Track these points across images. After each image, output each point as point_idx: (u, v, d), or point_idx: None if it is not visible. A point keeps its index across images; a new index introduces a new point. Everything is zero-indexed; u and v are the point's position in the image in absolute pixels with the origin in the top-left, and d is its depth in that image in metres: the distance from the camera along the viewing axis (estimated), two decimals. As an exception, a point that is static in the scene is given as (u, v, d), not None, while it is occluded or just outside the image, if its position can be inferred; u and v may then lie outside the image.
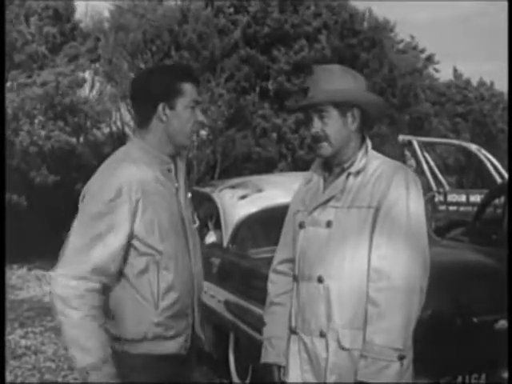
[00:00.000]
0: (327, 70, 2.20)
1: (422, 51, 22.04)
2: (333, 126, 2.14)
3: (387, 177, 2.11)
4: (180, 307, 2.18)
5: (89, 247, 2.06)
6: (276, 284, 2.32)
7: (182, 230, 2.22)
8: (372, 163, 2.16)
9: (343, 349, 2.07)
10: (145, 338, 2.13)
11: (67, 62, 12.01)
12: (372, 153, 2.20)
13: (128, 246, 2.11)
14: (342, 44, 15.76)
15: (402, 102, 17.01)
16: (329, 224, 2.13)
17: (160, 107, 2.17)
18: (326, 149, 2.16)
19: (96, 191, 2.12)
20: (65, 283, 2.05)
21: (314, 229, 2.17)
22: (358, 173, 2.15)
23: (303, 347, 2.16)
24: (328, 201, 2.16)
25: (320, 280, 2.10)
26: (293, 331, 2.21)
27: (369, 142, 2.22)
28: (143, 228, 2.10)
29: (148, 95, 2.19)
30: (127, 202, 2.08)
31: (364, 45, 16.24)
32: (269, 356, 2.27)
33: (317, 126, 2.15)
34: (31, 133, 10.64)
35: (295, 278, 2.21)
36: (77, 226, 2.12)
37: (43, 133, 10.75)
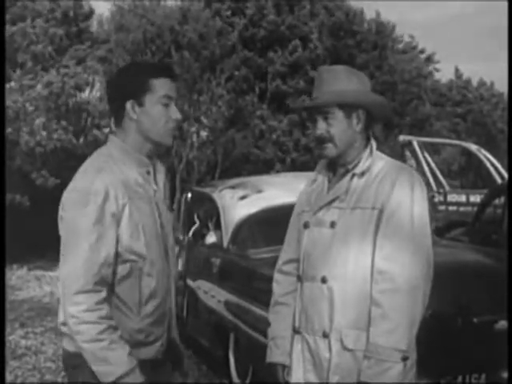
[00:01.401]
0: (332, 71, 2.19)
1: (422, 51, 22.04)
2: (338, 127, 2.14)
3: (391, 178, 2.10)
4: (160, 313, 2.14)
5: (88, 258, 1.97)
6: (281, 284, 2.32)
7: (162, 235, 2.15)
8: (376, 164, 2.16)
9: (346, 349, 2.07)
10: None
11: (74, 65, 12.00)
12: (377, 153, 2.20)
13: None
14: (339, 44, 15.78)
15: (403, 108, 17.02)
16: (333, 224, 2.13)
17: (128, 105, 2.09)
18: (330, 150, 2.16)
19: (82, 196, 2.01)
20: (75, 300, 1.96)
21: (318, 229, 2.17)
22: (362, 174, 2.15)
23: (306, 347, 2.17)
24: (332, 201, 2.16)
25: (323, 280, 2.11)
26: (296, 331, 2.21)
27: (374, 143, 2.22)
28: (128, 234, 2.03)
29: (117, 93, 2.13)
30: (114, 206, 2.00)
31: (362, 46, 16.25)
32: (273, 356, 2.28)
33: (321, 127, 2.15)
34: (34, 133, 10.63)
35: (299, 278, 2.22)
36: (70, 236, 2.02)
37: (45, 133, 10.75)
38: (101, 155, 2.14)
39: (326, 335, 2.10)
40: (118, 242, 2.01)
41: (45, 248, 12.26)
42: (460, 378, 3.28)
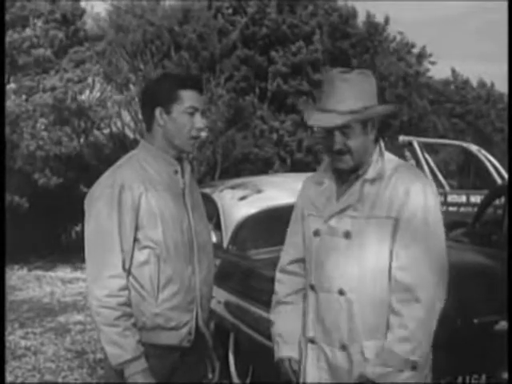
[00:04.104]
0: (346, 81, 2.10)
1: (413, 46, 21.86)
2: (356, 140, 2.10)
3: (404, 186, 2.08)
4: (180, 300, 2.28)
5: (111, 245, 2.19)
6: (285, 284, 2.31)
7: (187, 229, 2.32)
8: (387, 168, 2.13)
9: (367, 361, 2.07)
10: (143, 328, 2.24)
11: (74, 67, 12.00)
12: (387, 156, 2.19)
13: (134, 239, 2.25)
14: (335, 46, 15.80)
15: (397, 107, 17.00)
16: (347, 235, 2.10)
17: (157, 112, 2.30)
18: (347, 162, 2.12)
19: (103, 190, 2.24)
20: (100, 284, 2.18)
21: (330, 238, 2.14)
22: (373, 180, 2.12)
23: (323, 357, 2.15)
24: (344, 209, 2.13)
25: (341, 292, 2.10)
26: (311, 340, 2.18)
27: (382, 145, 2.20)
28: (146, 221, 2.23)
29: (148, 100, 2.35)
30: (130, 196, 2.21)
31: (356, 49, 16.26)
32: (282, 350, 2.26)
33: (339, 140, 2.10)
34: (36, 137, 10.64)
35: (312, 288, 2.19)
36: (95, 225, 2.23)
37: (46, 136, 10.75)
38: (127, 156, 2.39)
39: (344, 347, 2.09)
40: (137, 229, 2.22)
41: (45, 249, 12.28)
42: (460, 378, 3.28)
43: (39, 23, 12.27)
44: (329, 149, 2.15)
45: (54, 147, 10.73)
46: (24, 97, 10.86)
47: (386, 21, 18.64)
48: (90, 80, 13.05)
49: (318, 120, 2.14)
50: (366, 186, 2.12)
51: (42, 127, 10.73)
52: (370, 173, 2.13)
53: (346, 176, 2.18)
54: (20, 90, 10.80)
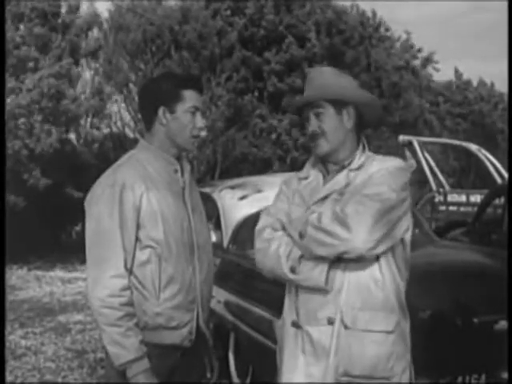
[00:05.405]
0: (319, 70, 2.29)
1: (420, 50, 21.95)
2: (329, 123, 2.18)
3: (379, 165, 2.15)
4: (182, 299, 2.28)
5: (114, 245, 2.19)
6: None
7: (188, 228, 2.33)
8: (370, 163, 2.18)
9: (346, 328, 2.08)
10: (145, 328, 2.24)
11: (53, 63, 11.99)
12: (368, 153, 2.23)
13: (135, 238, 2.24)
14: (333, 42, 15.85)
15: (389, 103, 17.02)
16: None
17: (160, 111, 2.31)
18: (322, 146, 2.19)
19: (104, 189, 2.24)
20: (102, 284, 2.17)
21: None
22: (358, 169, 2.18)
23: (308, 340, 2.14)
24: (328, 195, 2.17)
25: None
26: (296, 325, 2.18)
27: (365, 142, 2.25)
28: (147, 221, 2.23)
29: (151, 99, 2.35)
30: (131, 195, 2.21)
31: (350, 43, 16.31)
32: None
33: (313, 124, 2.19)
34: (23, 136, 10.69)
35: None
36: (96, 225, 2.23)
37: (35, 133, 10.80)
38: (127, 155, 2.39)
39: (331, 322, 2.10)
40: (138, 228, 2.23)
41: (44, 249, 12.29)
42: (460, 378, 3.28)
43: (24, 22, 12.30)
44: (307, 135, 2.24)
45: (37, 145, 10.78)
46: (12, 100, 10.91)
47: (374, 14, 18.77)
48: (87, 75, 13.05)
49: (292, 105, 2.26)
50: (351, 174, 2.18)
51: (23, 126, 10.78)
52: (355, 164, 2.19)
53: (332, 169, 2.23)
54: (6, 91, 10.82)
